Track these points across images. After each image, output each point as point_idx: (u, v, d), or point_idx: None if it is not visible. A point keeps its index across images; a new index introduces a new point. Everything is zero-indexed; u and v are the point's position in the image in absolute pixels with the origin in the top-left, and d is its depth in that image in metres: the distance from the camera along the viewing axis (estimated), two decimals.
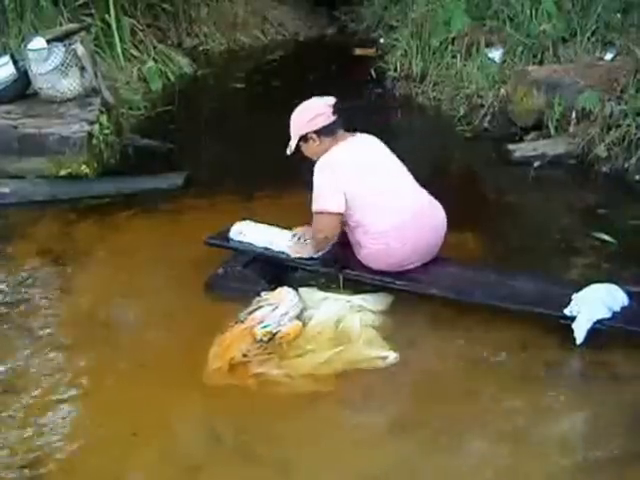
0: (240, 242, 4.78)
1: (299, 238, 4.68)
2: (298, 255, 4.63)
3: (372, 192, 4.38)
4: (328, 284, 4.59)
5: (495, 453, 3.56)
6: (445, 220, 4.56)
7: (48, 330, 4.48)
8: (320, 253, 4.58)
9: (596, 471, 3.46)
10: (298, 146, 4.55)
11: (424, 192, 4.57)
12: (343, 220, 4.44)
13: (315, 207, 4.43)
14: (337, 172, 4.37)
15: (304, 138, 4.49)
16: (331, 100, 4.49)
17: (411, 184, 4.56)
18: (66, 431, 3.74)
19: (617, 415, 3.73)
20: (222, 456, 3.59)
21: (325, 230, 4.46)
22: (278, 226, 4.86)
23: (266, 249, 4.71)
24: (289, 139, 4.54)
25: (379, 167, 4.49)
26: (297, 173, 6.09)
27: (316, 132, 4.45)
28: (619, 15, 7.44)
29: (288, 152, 4.55)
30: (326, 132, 4.46)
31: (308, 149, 4.54)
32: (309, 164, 6.10)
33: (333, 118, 4.46)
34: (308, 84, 8.10)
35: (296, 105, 4.56)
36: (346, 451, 3.59)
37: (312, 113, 4.46)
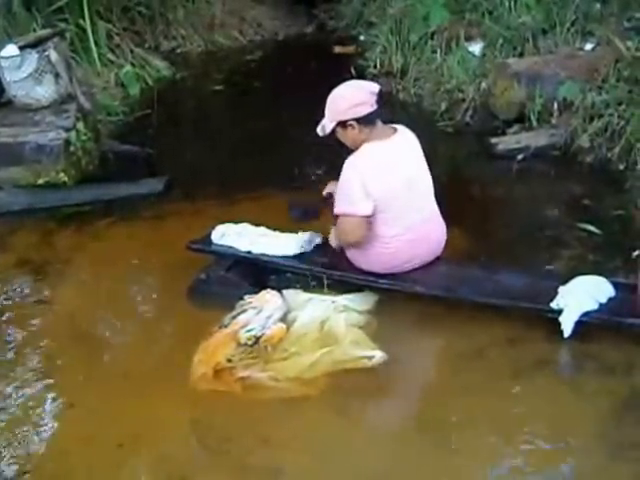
0: (222, 246, 4.73)
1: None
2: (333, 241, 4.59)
3: (395, 199, 4.26)
4: (312, 285, 4.54)
5: (488, 449, 3.54)
6: (445, 233, 4.55)
7: (30, 341, 4.44)
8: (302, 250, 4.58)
9: (587, 461, 3.45)
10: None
11: (435, 203, 4.52)
12: None
13: (344, 210, 4.32)
14: (365, 175, 4.22)
15: (342, 124, 4.29)
16: (375, 87, 4.31)
17: (430, 195, 4.49)
18: (51, 444, 3.71)
19: (608, 406, 3.72)
20: (210, 464, 3.55)
21: (355, 233, 4.32)
22: (260, 226, 4.84)
23: (248, 252, 4.66)
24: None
25: (406, 173, 4.33)
26: (278, 174, 6.09)
27: (357, 120, 4.26)
28: (598, 5, 7.43)
29: (321, 133, 4.37)
30: (366, 121, 4.26)
31: (345, 135, 4.34)
32: (291, 164, 6.08)
33: (375, 107, 4.27)
34: (288, 84, 8.06)
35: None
36: (337, 454, 3.55)
37: (356, 100, 4.25)
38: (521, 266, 4.70)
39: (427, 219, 4.42)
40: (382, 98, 4.32)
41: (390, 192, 4.25)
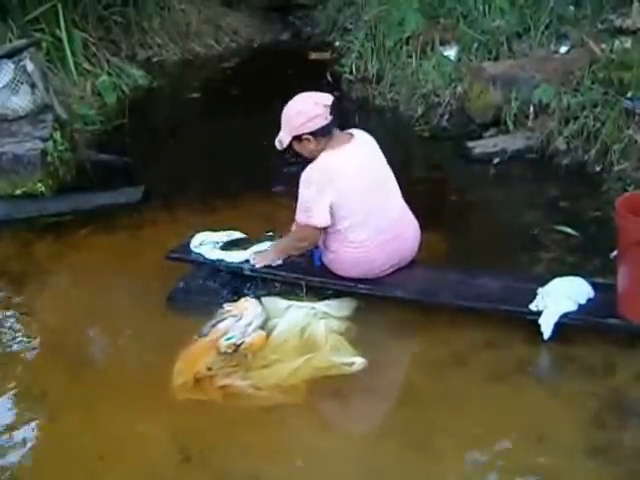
0: (201, 254, 4.71)
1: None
2: (262, 264, 4.57)
3: (358, 204, 4.28)
4: (291, 292, 4.53)
5: (469, 454, 3.54)
6: (419, 231, 4.55)
7: (9, 352, 4.41)
8: (281, 261, 4.54)
9: (569, 464, 3.44)
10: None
11: (403, 202, 4.52)
12: None
13: (301, 220, 4.35)
14: (325, 185, 4.24)
15: (298, 138, 4.32)
16: (328, 99, 4.32)
17: (396, 195, 4.50)
18: (31, 456, 3.68)
19: (588, 408, 3.72)
20: (191, 473, 3.53)
21: (308, 241, 4.44)
22: (239, 232, 4.87)
23: (227, 260, 4.64)
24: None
25: (368, 177, 4.35)
26: (256, 181, 6.08)
27: (312, 133, 4.29)
28: (572, 7, 7.47)
29: (279, 147, 4.39)
30: (322, 133, 4.29)
31: (302, 148, 4.38)
32: (269, 171, 6.07)
33: (330, 119, 4.29)
34: (264, 91, 8.05)
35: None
36: (318, 462, 3.55)
37: (309, 115, 4.26)
38: (500, 269, 4.70)
39: (397, 219, 4.44)
40: (336, 108, 4.32)
41: (350, 198, 4.27)
